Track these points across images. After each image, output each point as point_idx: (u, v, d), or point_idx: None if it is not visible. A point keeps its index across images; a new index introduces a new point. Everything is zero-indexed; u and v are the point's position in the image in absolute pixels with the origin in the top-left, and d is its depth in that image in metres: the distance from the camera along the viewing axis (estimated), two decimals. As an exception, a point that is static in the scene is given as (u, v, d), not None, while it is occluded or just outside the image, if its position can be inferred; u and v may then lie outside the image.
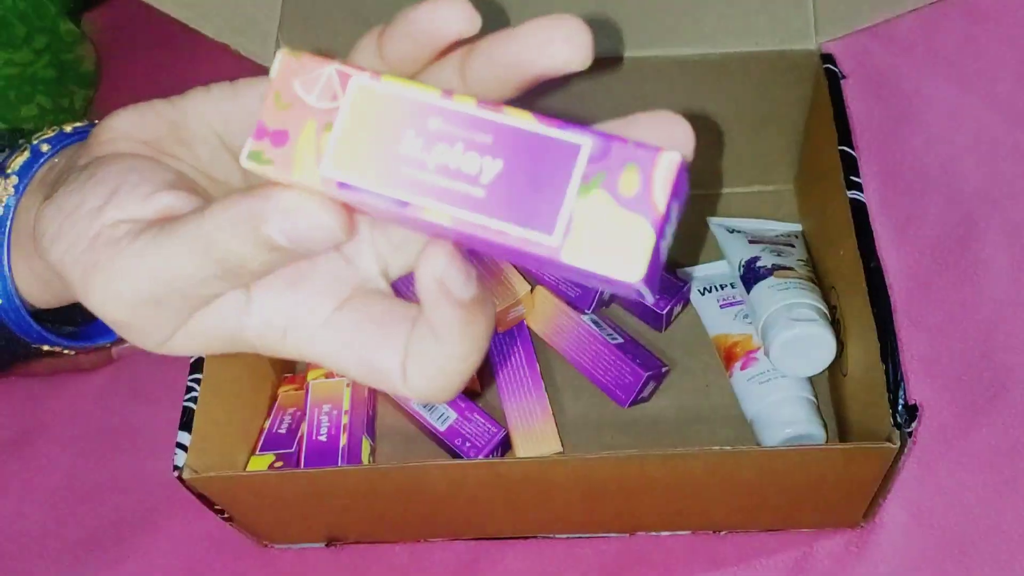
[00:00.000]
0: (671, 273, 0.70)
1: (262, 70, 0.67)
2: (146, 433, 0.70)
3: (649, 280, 0.27)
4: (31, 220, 0.38)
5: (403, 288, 0.34)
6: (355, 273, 0.33)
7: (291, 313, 0.32)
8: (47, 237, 0.32)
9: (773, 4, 0.65)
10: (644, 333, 0.70)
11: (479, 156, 0.27)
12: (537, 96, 0.31)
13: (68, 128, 0.42)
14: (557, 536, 0.63)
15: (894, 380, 0.53)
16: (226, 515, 0.60)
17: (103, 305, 0.31)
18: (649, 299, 0.28)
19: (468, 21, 0.30)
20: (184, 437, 0.56)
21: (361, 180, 0.28)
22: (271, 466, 0.63)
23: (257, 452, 0.64)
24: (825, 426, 0.63)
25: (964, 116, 0.75)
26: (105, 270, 0.31)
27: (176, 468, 0.55)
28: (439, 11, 0.30)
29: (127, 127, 0.35)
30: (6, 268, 0.40)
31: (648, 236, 0.26)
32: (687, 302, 0.70)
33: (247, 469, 0.63)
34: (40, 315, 0.43)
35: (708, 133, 0.71)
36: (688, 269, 0.71)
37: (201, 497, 0.57)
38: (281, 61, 0.29)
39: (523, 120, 0.27)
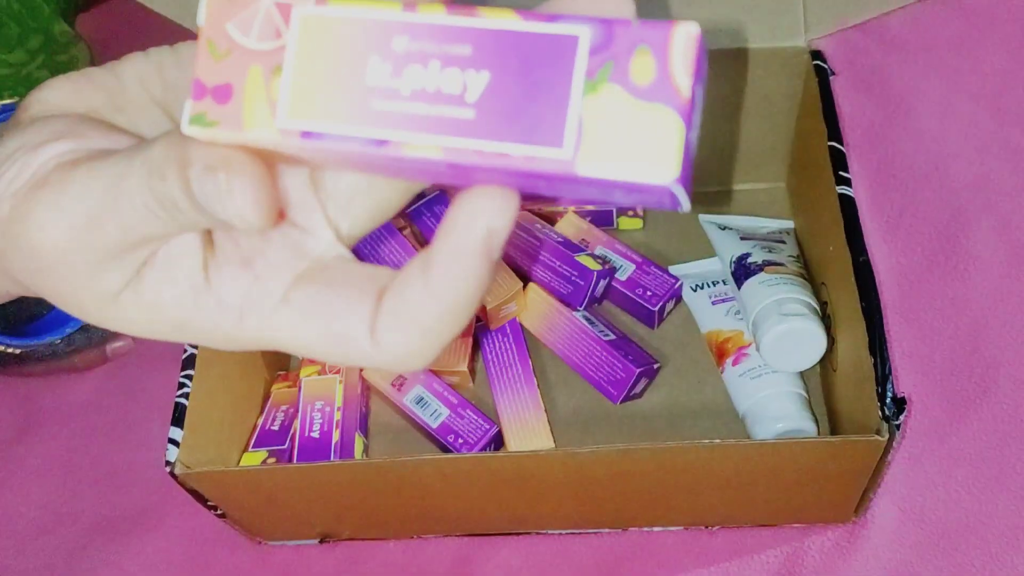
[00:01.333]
0: (663, 270, 0.70)
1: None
2: (140, 432, 0.70)
3: (684, 179, 0.23)
4: None
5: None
6: (310, 242, 0.30)
7: (247, 292, 0.29)
8: None
9: (763, 1, 0.66)
10: (636, 330, 0.70)
11: (460, 71, 0.24)
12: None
13: None
14: (550, 532, 0.64)
15: (882, 373, 0.53)
16: (219, 511, 0.60)
17: (44, 227, 0.28)
18: (685, 203, 0.24)
19: None
20: (176, 432, 0.57)
21: (326, 125, 0.25)
22: (264, 463, 0.63)
23: (250, 449, 0.64)
24: (816, 421, 0.63)
25: (954, 113, 0.75)
26: (53, 185, 0.28)
27: (168, 463, 0.55)
28: None
29: (60, 99, 0.32)
30: None
31: (676, 127, 0.23)
32: (679, 299, 0.70)
33: (239, 465, 0.63)
34: None
35: (700, 130, 0.71)
36: (680, 266, 0.72)
37: (194, 493, 0.58)
38: (208, 3, 0.25)
39: (504, 20, 0.24)
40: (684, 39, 0.23)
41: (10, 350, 0.43)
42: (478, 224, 0.25)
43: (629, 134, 0.23)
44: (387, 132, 0.24)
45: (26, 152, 0.29)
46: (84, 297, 0.29)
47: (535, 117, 0.23)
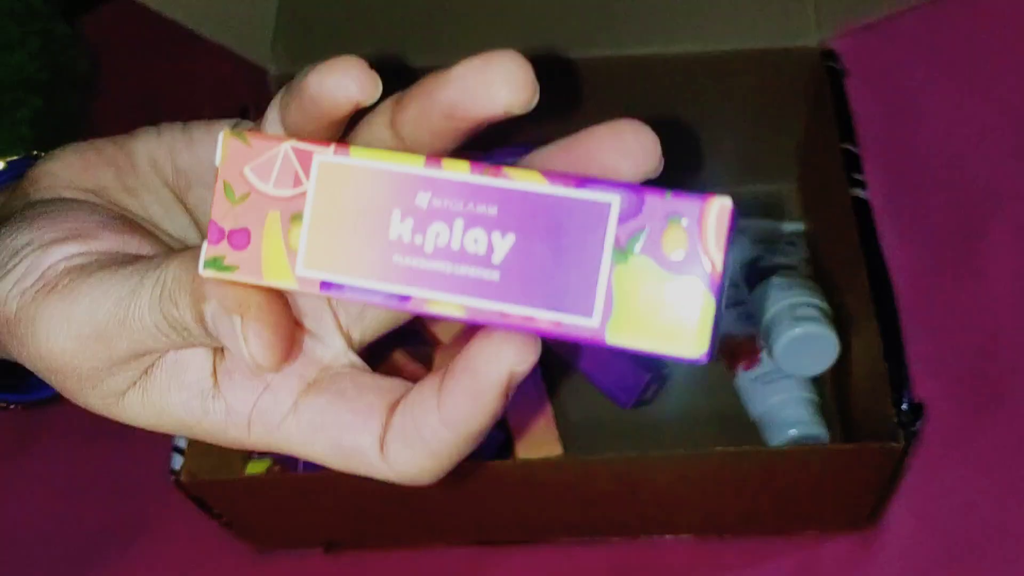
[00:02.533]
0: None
1: (259, 70, 0.66)
2: (144, 440, 0.69)
3: (711, 353, 0.23)
4: None
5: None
6: (321, 350, 0.30)
7: (256, 401, 0.29)
8: None
9: (774, 1, 0.65)
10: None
11: (485, 232, 0.24)
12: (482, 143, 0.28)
13: (1, 164, 0.38)
14: (559, 541, 0.63)
15: (897, 379, 0.52)
16: (224, 520, 0.59)
17: (51, 335, 0.28)
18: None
19: (361, 90, 0.26)
20: (180, 440, 0.56)
21: (347, 277, 0.24)
22: (269, 471, 0.62)
23: (254, 457, 0.64)
24: (830, 427, 0.62)
25: (969, 114, 0.74)
26: (63, 293, 0.28)
27: (173, 472, 0.55)
28: (327, 81, 0.26)
29: (69, 173, 0.32)
30: None
31: (707, 303, 0.23)
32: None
33: (244, 473, 0.62)
34: None
35: (711, 131, 0.71)
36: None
37: (198, 501, 0.57)
38: (224, 145, 0.25)
39: (531, 182, 0.24)
40: (718, 213, 0.23)
41: (11, 407, 0.42)
42: (499, 368, 0.25)
43: (658, 308, 0.23)
44: (410, 288, 0.24)
45: (35, 250, 0.29)
46: (89, 396, 0.29)
47: (563, 284, 0.23)
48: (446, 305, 0.24)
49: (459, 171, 0.24)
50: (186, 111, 0.85)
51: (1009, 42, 0.77)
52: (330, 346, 0.30)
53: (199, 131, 0.32)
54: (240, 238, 0.25)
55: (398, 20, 0.66)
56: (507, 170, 0.24)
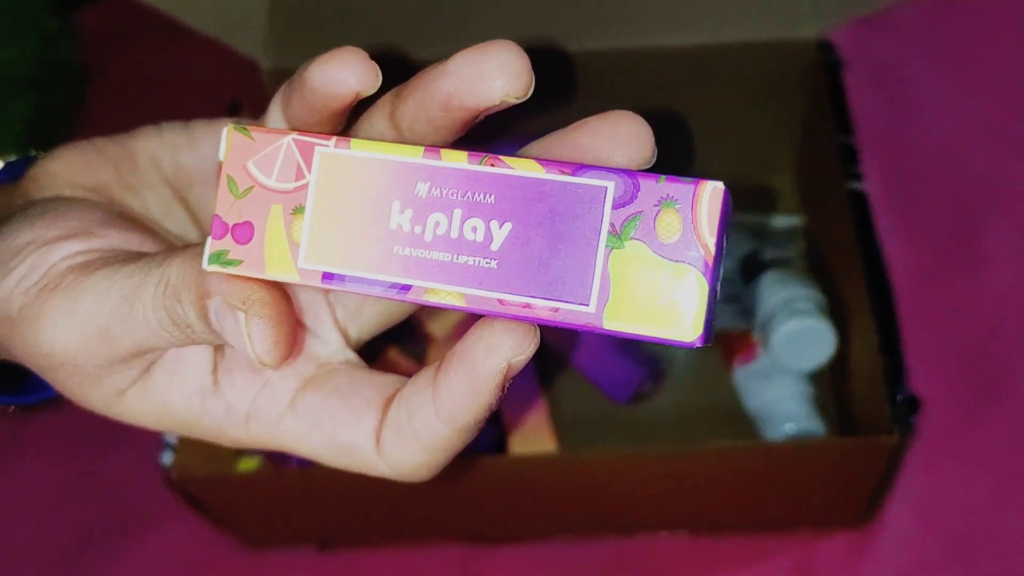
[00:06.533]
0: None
1: (250, 63, 0.66)
2: (135, 436, 0.69)
3: (707, 337, 0.24)
4: None
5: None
6: (318, 346, 0.30)
7: (254, 398, 0.29)
8: None
9: (770, -8, 0.64)
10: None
11: (483, 221, 0.24)
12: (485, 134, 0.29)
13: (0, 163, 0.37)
14: (554, 538, 0.62)
15: (894, 373, 0.52)
16: (216, 517, 0.59)
17: (55, 333, 0.28)
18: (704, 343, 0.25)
19: (361, 80, 0.26)
20: (171, 436, 0.55)
21: (348, 268, 0.25)
22: (261, 467, 0.62)
23: (247, 453, 0.63)
24: (827, 422, 0.62)
25: (968, 107, 0.73)
26: (66, 291, 0.28)
27: (164, 468, 0.54)
28: (327, 71, 0.26)
29: (69, 171, 0.32)
30: None
31: (700, 288, 0.23)
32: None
33: (236, 470, 0.62)
34: None
35: (707, 124, 0.70)
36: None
37: (189, 498, 0.56)
38: (228, 140, 0.26)
39: (527, 169, 0.24)
40: (710, 196, 0.23)
41: (11, 409, 0.41)
42: (497, 358, 0.25)
43: (654, 293, 0.23)
44: (409, 278, 0.25)
45: (38, 248, 0.29)
46: (89, 395, 0.29)
47: (559, 271, 0.24)
48: (445, 294, 0.24)
49: (457, 161, 0.24)
50: (179, 105, 0.84)
51: (1009, 34, 0.76)
52: (327, 343, 0.30)
53: (200, 129, 0.32)
54: (244, 232, 0.26)
55: (392, 11, 0.66)
56: (504, 159, 0.24)
